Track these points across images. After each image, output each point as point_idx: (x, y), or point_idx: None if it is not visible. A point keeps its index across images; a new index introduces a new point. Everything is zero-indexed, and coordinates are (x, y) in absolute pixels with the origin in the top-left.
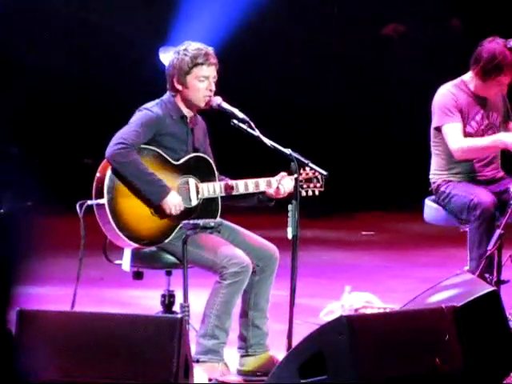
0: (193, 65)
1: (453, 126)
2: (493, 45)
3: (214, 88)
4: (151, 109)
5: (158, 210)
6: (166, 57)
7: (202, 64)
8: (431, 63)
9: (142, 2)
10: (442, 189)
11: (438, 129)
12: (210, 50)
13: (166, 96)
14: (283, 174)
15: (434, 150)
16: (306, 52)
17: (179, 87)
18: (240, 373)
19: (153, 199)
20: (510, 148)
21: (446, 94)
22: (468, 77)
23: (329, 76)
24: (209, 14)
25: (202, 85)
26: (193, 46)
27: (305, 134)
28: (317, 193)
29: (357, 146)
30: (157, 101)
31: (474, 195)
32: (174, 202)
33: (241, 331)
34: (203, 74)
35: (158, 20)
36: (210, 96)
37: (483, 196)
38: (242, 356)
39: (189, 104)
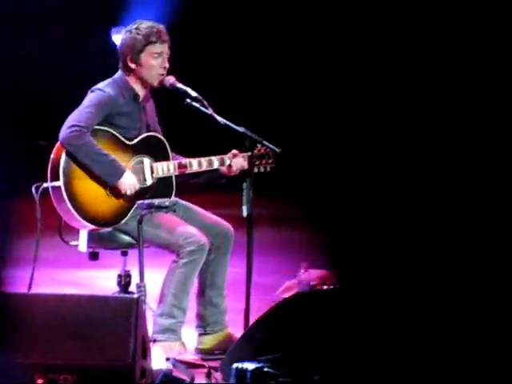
0: (146, 43)
1: None
2: None
3: (167, 65)
4: (103, 89)
5: (114, 191)
6: (119, 37)
7: (155, 42)
8: None
9: None
10: None
11: None
12: (162, 27)
13: (118, 75)
14: (235, 151)
15: None
16: None
17: (133, 66)
18: (198, 351)
19: (108, 180)
20: None
21: None
22: None
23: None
24: None
25: (156, 62)
26: (145, 25)
27: (258, 111)
28: (268, 169)
29: (310, 121)
30: (108, 81)
31: None
32: (129, 183)
33: (198, 310)
34: (157, 51)
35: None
36: (164, 74)
37: None
38: (200, 334)
39: (142, 82)
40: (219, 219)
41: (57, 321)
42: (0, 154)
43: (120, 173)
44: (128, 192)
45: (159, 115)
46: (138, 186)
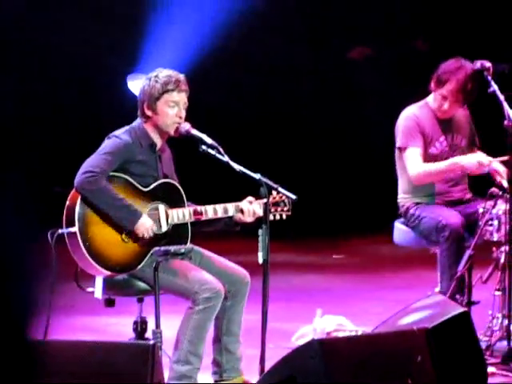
0: (163, 91)
1: (413, 150)
2: (452, 60)
3: (183, 115)
4: (120, 136)
5: (131, 235)
6: (134, 84)
7: (172, 90)
8: (397, 84)
9: (110, 25)
10: (411, 211)
11: (400, 149)
12: (182, 76)
13: (136, 123)
14: (250, 198)
15: (399, 172)
16: (274, 73)
17: (149, 113)
18: None
19: (125, 225)
20: (467, 170)
21: (409, 116)
22: (431, 98)
23: (301, 99)
24: (178, 39)
25: (172, 111)
26: (164, 73)
27: (274, 158)
28: (284, 217)
29: (326, 169)
30: (126, 128)
31: (442, 217)
32: (146, 226)
33: (214, 357)
34: (173, 100)
35: (126, 44)
36: (180, 123)
37: (451, 217)
38: (217, 381)
39: (159, 131)
40: (235, 266)
41: (72, 368)
42: (16, 200)
43: (137, 217)
44: (145, 235)
45: (175, 164)
46: (155, 228)
